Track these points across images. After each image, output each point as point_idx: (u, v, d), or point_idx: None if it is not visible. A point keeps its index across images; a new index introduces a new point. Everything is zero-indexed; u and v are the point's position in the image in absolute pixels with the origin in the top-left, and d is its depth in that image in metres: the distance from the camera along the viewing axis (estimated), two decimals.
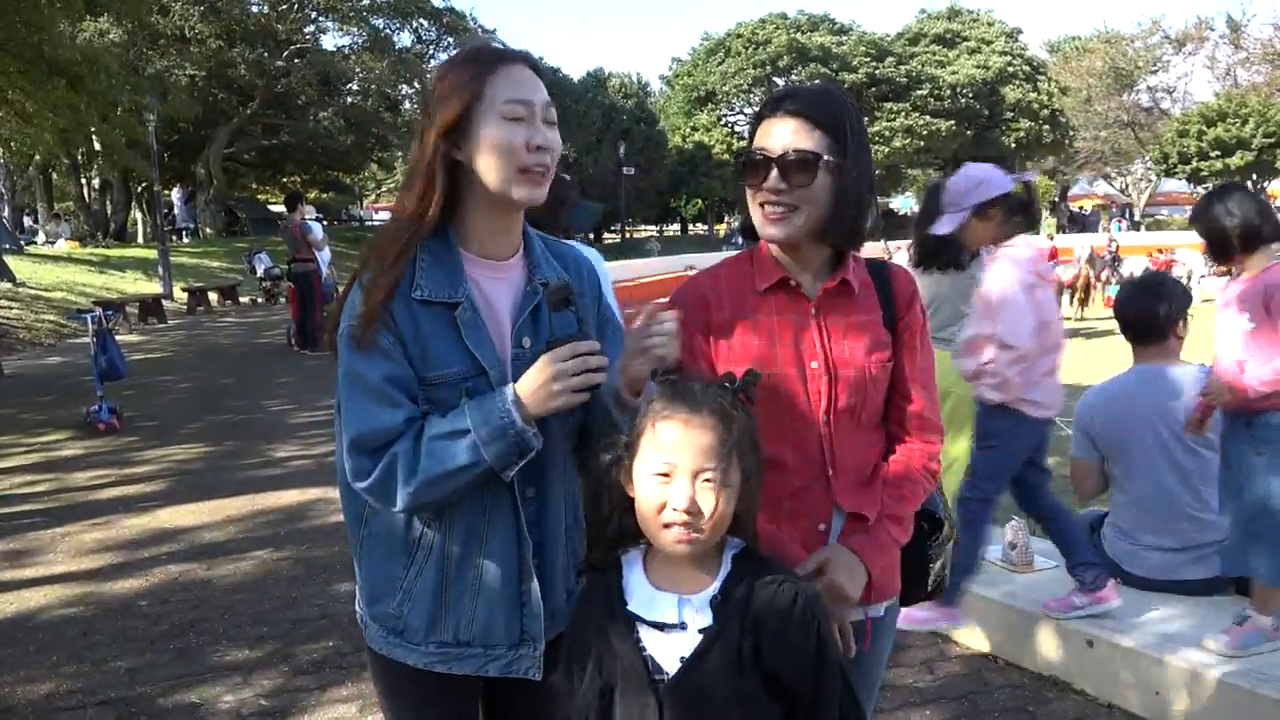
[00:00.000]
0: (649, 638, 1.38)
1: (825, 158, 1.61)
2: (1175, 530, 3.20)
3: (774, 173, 1.61)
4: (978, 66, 46.30)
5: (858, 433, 1.74)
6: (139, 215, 32.56)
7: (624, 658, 1.36)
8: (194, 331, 15.27)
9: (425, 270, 1.50)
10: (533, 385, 1.43)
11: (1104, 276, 19.44)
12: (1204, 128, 42.22)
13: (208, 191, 31.35)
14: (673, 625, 1.37)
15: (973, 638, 3.48)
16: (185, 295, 18.26)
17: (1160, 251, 23.94)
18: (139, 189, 31.09)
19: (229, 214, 33.38)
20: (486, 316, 1.54)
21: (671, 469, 1.32)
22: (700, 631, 1.35)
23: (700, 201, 47.86)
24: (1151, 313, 3.27)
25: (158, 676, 3.47)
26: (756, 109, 1.74)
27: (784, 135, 1.61)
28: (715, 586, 1.38)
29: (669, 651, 1.36)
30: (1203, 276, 22.29)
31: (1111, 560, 3.37)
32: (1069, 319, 17.34)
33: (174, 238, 28.09)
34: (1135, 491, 3.25)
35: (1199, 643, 2.91)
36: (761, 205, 1.65)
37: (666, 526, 1.33)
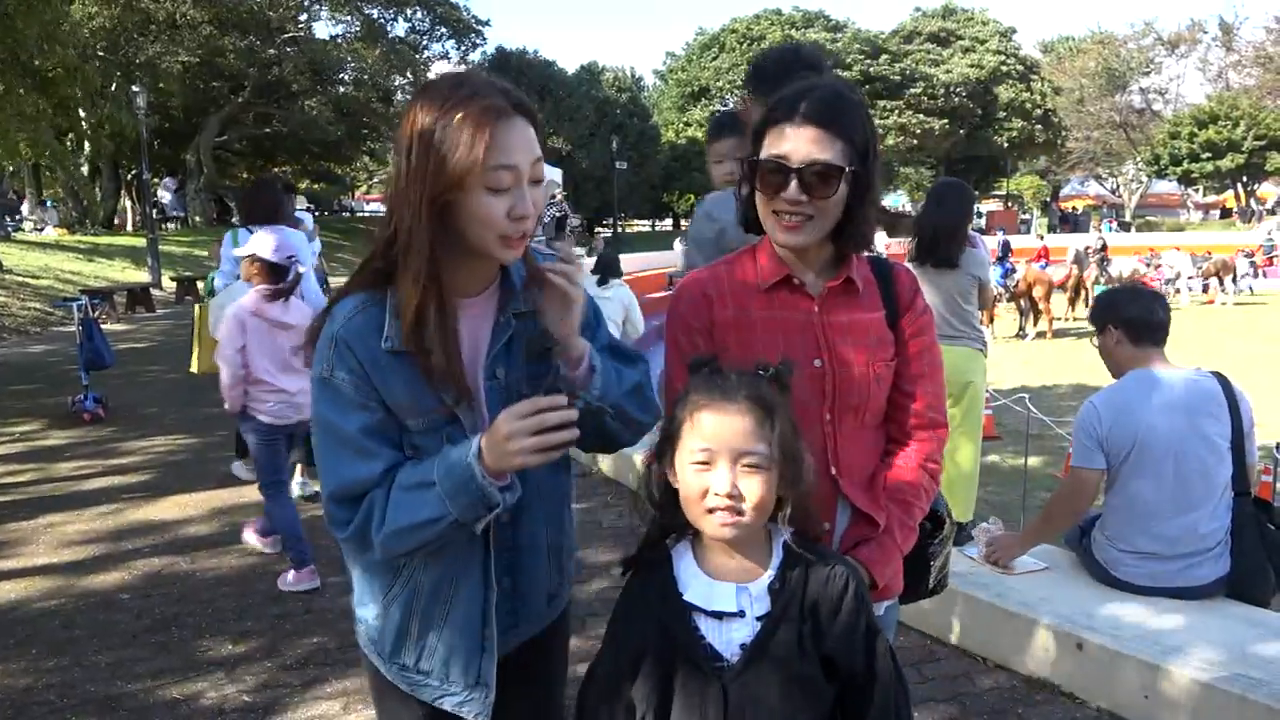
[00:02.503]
0: (707, 627, 1.40)
1: (847, 170, 1.57)
2: (1168, 538, 3.18)
3: (793, 184, 1.57)
4: (971, 65, 46.41)
5: (861, 432, 1.72)
6: (128, 203, 32.36)
7: (683, 648, 1.38)
8: (182, 321, 15.11)
9: (394, 317, 1.45)
10: (491, 441, 1.37)
11: (1091, 277, 19.48)
12: (1195, 129, 42.50)
13: (198, 180, 31.18)
14: (732, 614, 1.39)
15: (961, 639, 3.46)
16: (174, 284, 18.13)
17: (1152, 253, 24.05)
18: (128, 176, 30.89)
19: (219, 203, 33.18)
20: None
21: (711, 456, 1.34)
22: (758, 619, 1.38)
23: (693, 197, 47.80)
24: (1168, 314, 3.26)
25: (139, 671, 3.43)
26: (765, 108, 1.67)
27: (804, 145, 1.56)
28: (772, 573, 1.40)
29: (728, 639, 1.38)
30: (1190, 279, 22.46)
31: (1101, 565, 3.36)
32: (1060, 319, 17.40)
33: (163, 226, 27.91)
34: (1132, 496, 3.22)
35: (1189, 648, 2.90)
36: (775, 211, 1.62)
37: (710, 512, 1.35)
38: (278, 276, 4.12)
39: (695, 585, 1.41)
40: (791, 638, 1.36)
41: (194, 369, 5.91)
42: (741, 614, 1.38)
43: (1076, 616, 3.16)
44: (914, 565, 1.85)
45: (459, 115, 1.35)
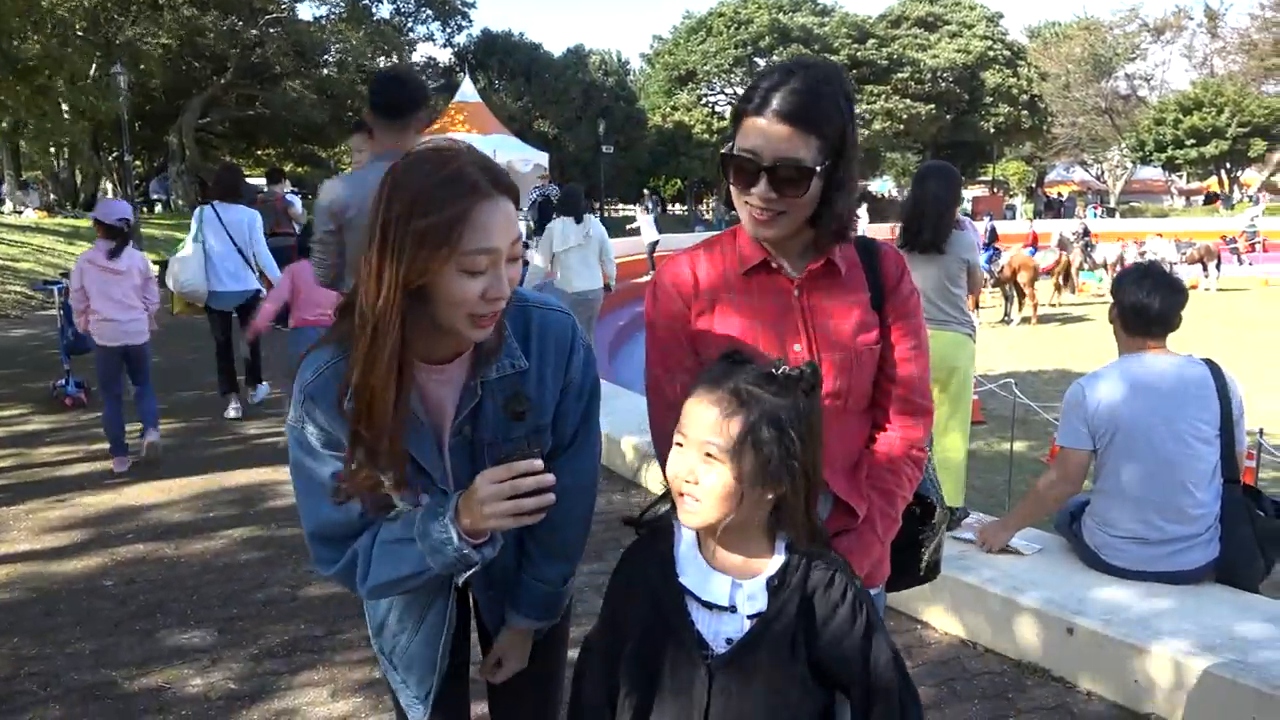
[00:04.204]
0: (698, 614, 1.39)
1: (819, 168, 1.53)
2: (1157, 523, 3.18)
3: (763, 182, 1.53)
4: (958, 50, 46.37)
5: (845, 417, 1.69)
6: (109, 186, 32.01)
7: (675, 629, 1.38)
8: (166, 305, 15.00)
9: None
10: (467, 503, 1.38)
11: (1076, 262, 19.55)
12: (1180, 116, 42.68)
13: (180, 163, 30.85)
14: (723, 607, 1.38)
15: (952, 624, 3.46)
16: (157, 268, 17.90)
17: (1138, 242, 24.12)
18: (110, 158, 30.54)
19: (202, 186, 32.84)
20: (426, 415, 1.50)
21: (685, 440, 1.37)
22: (750, 617, 1.37)
23: (680, 181, 47.68)
24: (1175, 307, 3.24)
25: (123, 659, 3.39)
26: (739, 92, 1.63)
27: (774, 142, 1.51)
28: (770, 572, 1.39)
29: (716, 631, 1.38)
30: (1173, 264, 22.58)
31: (1091, 550, 3.36)
32: (1046, 305, 17.47)
33: (145, 209, 27.62)
34: (1121, 481, 3.22)
35: (1180, 632, 2.90)
36: (747, 203, 1.58)
37: (679, 495, 1.37)
38: (112, 234, 5.72)
39: (692, 570, 1.41)
40: (781, 639, 1.36)
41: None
42: (734, 609, 1.37)
43: (1067, 601, 3.16)
44: (905, 551, 1.83)
45: (439, 196, 1.31)
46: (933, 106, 45.84)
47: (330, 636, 3.51)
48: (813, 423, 1.38)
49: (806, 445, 1.36)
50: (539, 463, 1.34)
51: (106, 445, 5.80)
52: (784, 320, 1.64)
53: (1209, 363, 3.26)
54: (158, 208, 30.85)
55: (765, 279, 1.66)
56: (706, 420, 1.33)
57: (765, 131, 1.52)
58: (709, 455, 1.33)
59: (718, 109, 46.40)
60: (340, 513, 1.46)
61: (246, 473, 5.68)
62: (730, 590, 1.38)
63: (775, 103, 1.51)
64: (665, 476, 1.42)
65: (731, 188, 1.60)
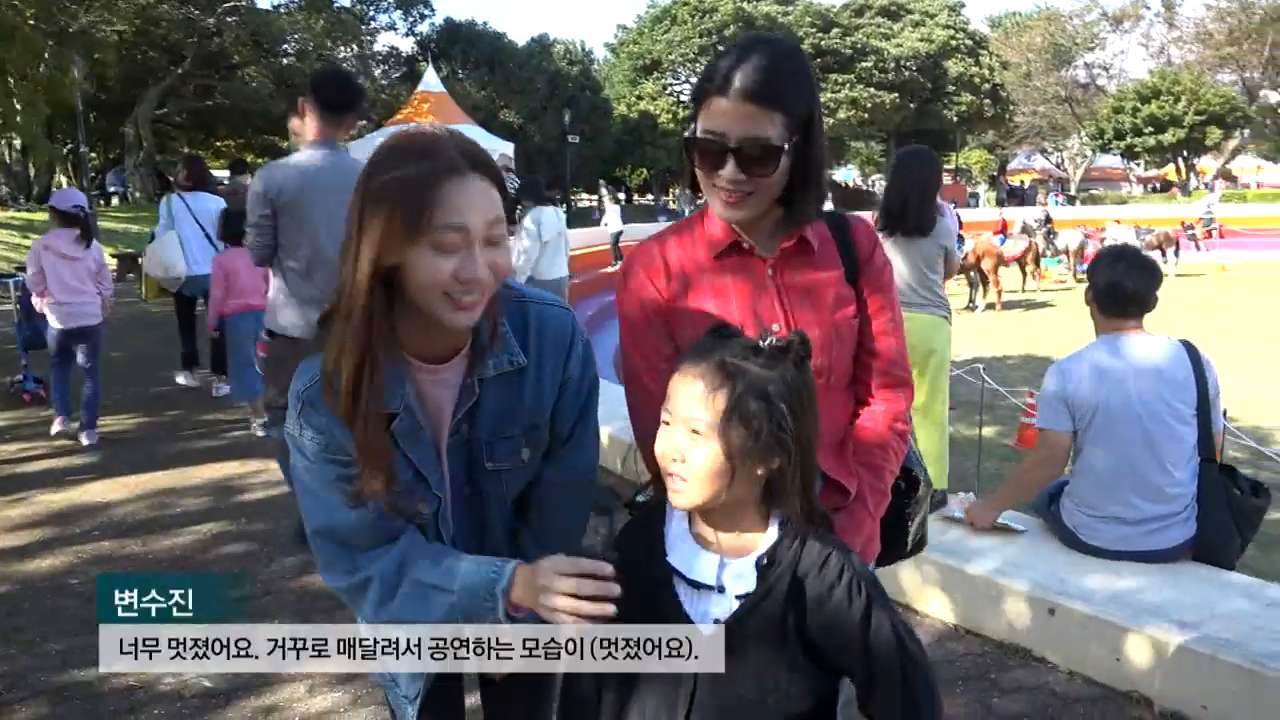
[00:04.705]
0: (685, 594, 1.35)
1: (786, 145, 1.50)
2: (1135, 503, 3.20)
3: (730, 163, 1.50)
4: (921, 40, 46.67)
5: (828, 395, 1.65)
6: (64, 179, 31.32)
7: (661, 611, 1.33)
8: (124, 299, 14.70)
9: None
10: (526, 581, 1.34)
11: (1038, 249, 19.74)
12: (1139, 104, 43.29)
13: (137, 154, 30.24)
14: (709, 587, 1.34)
15: (933, 606, 3.46)
16: (114, 261, 17.59)
17: (1099, 229, 24.46)
18: (64, 151, 29.87)
19: (160, 178, 32.27)
20: (424, 417, 1.46)
21: (671, 418, 1.33)
22: (738, 597, 1.33)
23: (646, 171, 47.62)
24: (1150, 287, 3.25)
25: (92, 658, 3.24)
26: (701, 73, 1.60)
27: (740, 121, 1.48)
28: (760, 551, 1.34)
29: (703, 612, 1.34)
30: None
31: (1070, 531, 3.38)
32: (1013, 291, 17.63)
33: (102, 202, 27.07)
34: (1100, 461, 3.24)
35: (1160, 611, 2.92)
36: (715, 186, 1.54)
37: (667, 475, 1.33)
38: (68, 220, 6.05)
39: (680, 549, 1.38)
40: (771, 621, 1.32)
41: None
42: (720, 589, 1.33)
43: (1048, 581, 3.18)
44: (892, 526, 1.81)
45: (410, 173, 1.29)
46: (896, 95, 46.13)
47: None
48: (804, 395, 1.33)
49: (798, 418, 1.31)
50: (608, 567, 1.27)
51: (68, 442, 5.68)
52: (759, 301, 1.62)
53: (1185, 344, 3.29)
54: (115, 200, 30.23)
55: (737, 260, 1.63)
56: (691, 396, 1.30)
57: (729, 111, 1.48)
58: (695, 432, 1.29)
59: (683, 98, 46.24)
60: (342, 514, 1.41)
61: (215, 467, 5.56)
62: (718, 570, 1.34)
63: (738, 81, 1.47)
64: (646, 459, 1.40)
65: (697, 171, 1.57)
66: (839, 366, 1.67)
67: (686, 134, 1.57)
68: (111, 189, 30.61)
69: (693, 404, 1.29)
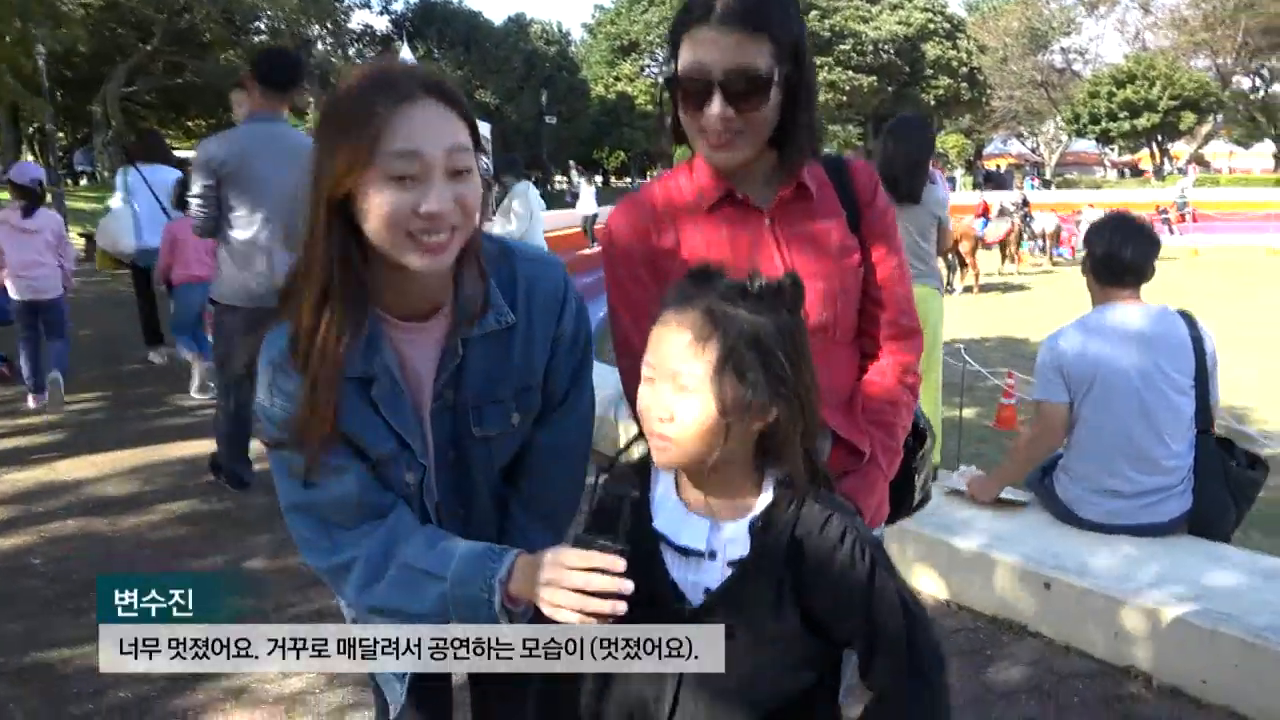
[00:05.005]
0: (673, 562, 1.25)
1: (777, 75, 1.38)
2: (1131, 476, 3.14)
3: (717, 98, 1.38)
4: (900, 23, 46.60)
5: (833, 351, 1.56)
6: (30, 157, 30.71)
7: (646, 579, 1.20)
8: (92, 278, 14.41)
9: None
10: (526, 572, 1.24)
11: (1016, 231, 19.81)
12: (1114, 89, 43.53)
13: (105, 133, 29.65)
14: (699, 553, 1.23)
15: (926, 582, 3.40)
16: (82, 240, 17.23)
17: (1074, 212, 24.57)
18: (30, 129, 29.26)
19: (126, 153, 31.69)
20: (405, 381, 1.34)
21: (655, 372, 1.22)
22: (731, 564, 1.22)
23: (624, 153, 47.37)
24: (1148, 256, 3.18)
25: (56, 639, 3.16)
26: (678, 10, 1.48)
27: (725, 52, 1.37)
28: (755, 513, 1.23)
29: (693, 581, 1.24)
30: None
31: (1064, 505, 3.31)
32: (989, 275, 17.65)
33: (70, 181, 26.55)
34: (1095, 434, 3.17)
35: (1158, 584, 2.86)
36: (702, 128, 1.43)
37: (652, 435, 1.22)
38: (23, 194, 6.16)
39: (666, 514, 1.28)
40: (766, 589, 1.22)
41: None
42: (711, 555, 1.24)
43: (1043, 556, 3.11)
44: (899, 483, 1.71)
45: (360, 97, 1.21)
46: (874, 78, 46.06)
47: (279, 611, 3.32)
48: (799, 341, 1.23)
49: (796, 366, 1.21)
50: (621, 563, 1.14)
51: (34, 420, 5.52)
52: (758, 255, 1.52)
53: (1183, 313, 3.23)
54: (83, 180, 29.67)
55: (732, 212, 1.52)
56: (677, 346, 1.18)
57: (712, 42, 1.37)
58: (683, 386, 1.17)
59: (661, 81, 46.11)
60: (333, 488, 1.30)
61: (184, 445, 5.41)
62: (708, 534, 1.24)
63: (719, 8, 1.37)
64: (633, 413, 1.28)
65: (682, 114, 1.45)
66: (844, 320, 1.57)
67: (664, 74, 1.46)
68: (80, 168, 30.03)
69: (679, 356, 1.18)
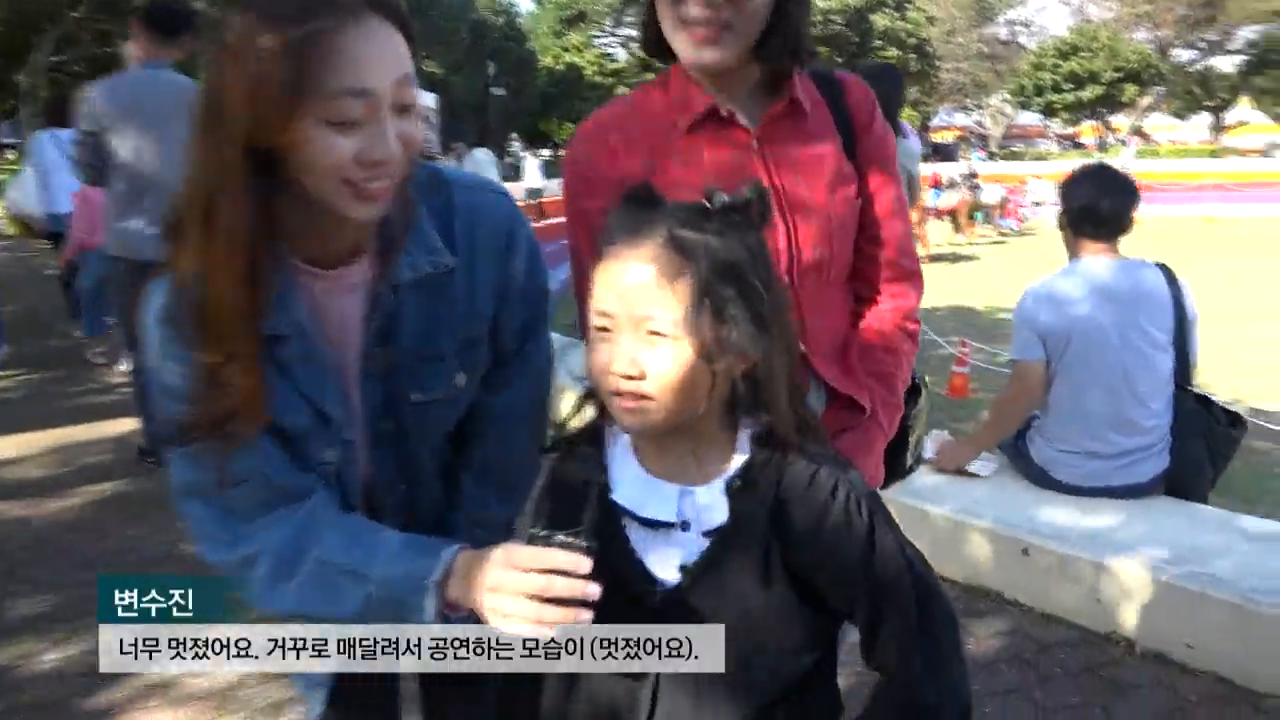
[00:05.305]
0: (638, 538, 1.05)
1: None
2: (1110, 437, 3.03)
3: None
4: None
5: (827, 293, 1.39)
6: None
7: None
8: (20, 254, 13.81)
9: None
10: (469, 574, 1.03)
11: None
12: (1059, 61, 43.99)
13: (33, 105, 28.46)
14: (670, 524, 1.04)
15: None
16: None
17: (1021, 183, 24.75)
18: None
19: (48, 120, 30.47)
20: (324, 339, 1.12)
21: (611, 321, 1.01)
22: (707, 534, 1.04)
23: (573, 125, 46.84)
24: (1127, 207, 3.05)
25: None
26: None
27: None
28: (730, 472, 1.04)
29: (665, 557, 1.05)
30: (1053, 204, 23.29)
31: (1039, 467, 3.20)
32: (939, 245, 17.69)
33: None
34: (1072, 393, 3.05)
35: (1139, 547, 2.75)
36: (683, 22, 1.24)
37: (615, 395, 1.02)
38: None
39: (627, 483, 1.09)
40: (751, 559, 1.04)
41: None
42: (684, 526, 1.06)
43: (1019, 520, 3.00)
44: (893, 444, 1.54)
45: (287, 15, 0.96)
46: (825, 49, 46.01)
47: None
48: (771, 264, 1.06)
49: (773, 293, 1.03)
50: (586, 563, 0.94)
51: None
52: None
53: (1161, 266, 3.11)
54: (10, 154, 28.51)
55: (715, 132, 1.33)
56: (640, 287, 0.99)
57: None
58: (654, 333, 0.98)
59: (610, 51, 45.56)
60: (234, 467, 1.08)
61: (113, 424, 5.09)
62: (678, 502, 1.06)
63: None
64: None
65: (660, 7, 1.27)
66: (840, 258, 1.39)
67: None
68: (6, 141, 28.85)
69: (644, 298, 0.98)
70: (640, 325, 0.99)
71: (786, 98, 1.33)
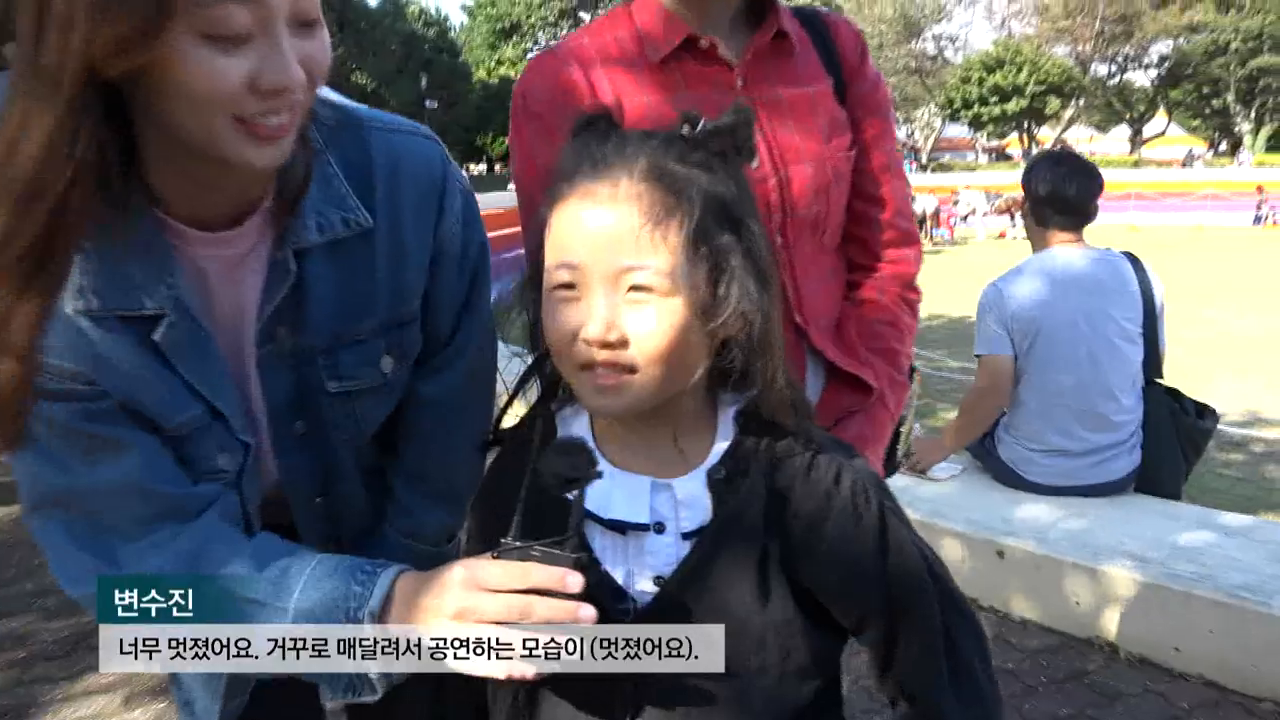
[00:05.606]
0: (603, 545, 0.85)
1: None
2: (1080, 434, 2.91)
3: None
4: None
5: (822, 256, 1.22)
6: None
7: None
8: None
9: (90, 261, 0.81)
10: (415, 599, 0.81)
11: None
12: (984, 74, 45.17)
13: None
14: (641, 527, 0.83)
15: None
16: None
17: (953, 193, 25.23)
18: None
19: None
20: (210, 317, 0.89)
21: (578, 275, 0.79)
22: (687, 536, 0.83)
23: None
24: (1092, 193, 2.94)
25: None
26: None
27: None
28: (712, 460, 0.84)
29: (636, 568, 0.84)
30: (984, 214, 23.76)
31: (1009, 467, 3.07)
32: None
33: None
34: (1041, 389, 2.92)
35: (1118, 546, 2.64)
36: None
37: (585, 369, 0.80)
38: None
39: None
40: (743, 566, 0.84)
41: None
42: (659, 528, 0.85)
43: (992, 522, 2.86)
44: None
45: None
46: None
47: None
48: (757, 206, 0.87)
49: (766, 239, 0.85)
50: (578, 579, 0.74)
51: None
52: None
53: (1128, 255, 3.02)
54: None
55: (692, 68, 1.14)
56: (619, 231, 0.78)
57: None
58: (638, 288, 0.78)
59: None
60: (109, 473, 0.85)
61: None
62: (650, 497, 0.85)
63: None
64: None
65: None
66: (835, 216, 1.22)
67: None
68: None
69: (625, 245, 0.78)
70: (619, 280, 0.78)
71: (772, 28, 1.15)
